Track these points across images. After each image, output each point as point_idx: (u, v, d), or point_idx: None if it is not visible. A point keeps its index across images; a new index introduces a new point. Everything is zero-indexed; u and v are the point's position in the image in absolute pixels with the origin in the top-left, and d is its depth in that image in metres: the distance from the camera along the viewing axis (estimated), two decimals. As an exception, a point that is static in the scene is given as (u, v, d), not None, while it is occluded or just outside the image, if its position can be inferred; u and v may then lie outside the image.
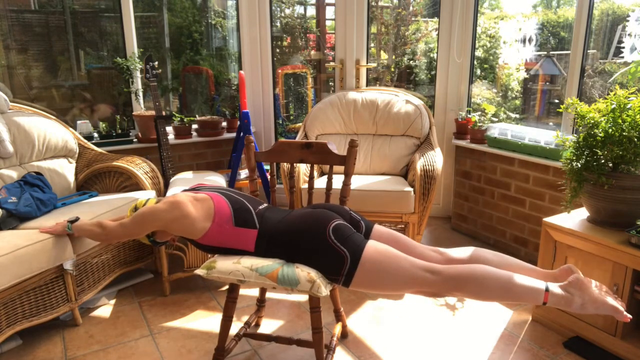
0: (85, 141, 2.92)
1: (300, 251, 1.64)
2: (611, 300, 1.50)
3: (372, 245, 1.61)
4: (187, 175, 2.93)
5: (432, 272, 1.54)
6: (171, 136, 3.48)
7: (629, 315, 1.48)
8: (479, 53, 4.00)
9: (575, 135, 2.19)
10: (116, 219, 2.03)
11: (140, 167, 2.70)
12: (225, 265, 1.65)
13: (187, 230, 1.67)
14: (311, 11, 5.19)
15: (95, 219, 2.18)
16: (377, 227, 1.81)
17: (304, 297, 2.52)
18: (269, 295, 2.54)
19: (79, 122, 3.22)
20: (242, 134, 3.20)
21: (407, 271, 1.55)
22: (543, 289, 1.51)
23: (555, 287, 1.52)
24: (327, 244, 1.59)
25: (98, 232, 1.82)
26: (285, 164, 2.64)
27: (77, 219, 2.01)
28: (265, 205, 1.85)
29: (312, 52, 5.10)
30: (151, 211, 1.68)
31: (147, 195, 2.57)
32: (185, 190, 1.84)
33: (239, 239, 1.69)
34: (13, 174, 2.49)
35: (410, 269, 1.55)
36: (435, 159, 2.65)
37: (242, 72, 3.24)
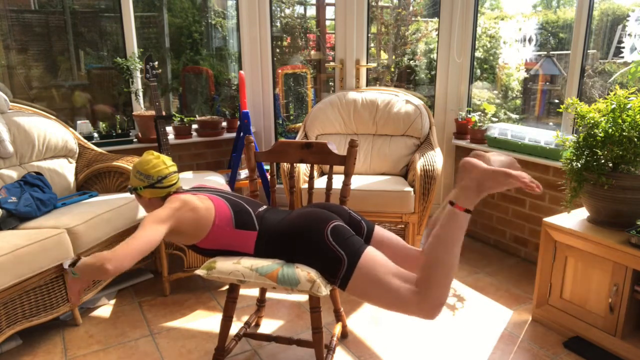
0: (85, 141, 2.92)
1: (299, 251, 1.64)
2: (503, 168, 1.45)
3: (370, 253, 1.59)
4: (187, 175, 2.93)
5: (414, 293, 1.49)
6: (171, 136, 3.48)
7: (536, 184, 1.38)
8: (479, 53, 4.00)
9: (575, 135, 2.19)
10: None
11: (140, 167, 2.70)
12: (225, 265, 1.65)
13: (193, 228, 1.64)
14: (311, 11, 5.20)
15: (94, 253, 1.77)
16: (378, 230, 1.80)
17: (304, 297, 2.52)
18: (269, 295, 2.54)
19: (79, 122, 3.22)
20: (242, 134, 3.20)
21: (393, 291, 1.51)
22: (452, 208, 1.47)
23: (454, 194, 1.49)
24: (324, 245, 1.59)
25: (103, 255, 1.42)
26: (285, 164, 2.64)
27: (78, 259, 1.50)
28: (265, 207, 1.85)
29: (312, 52, 5.10)
30: (161, 210, 1.60)
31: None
32: (185, 191, 1.84)
33: (239, 241, 1.69)
34: (13, 174, 2.49)
35: (397, 291, 1.51)
36: (435, 159, 2.65)
37: (242, 72, 3.24)
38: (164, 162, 1.73)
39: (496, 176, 1.44)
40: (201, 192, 1.78)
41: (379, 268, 1.54)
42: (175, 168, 1.77)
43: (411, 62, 4.97)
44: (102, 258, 1.40)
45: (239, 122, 3.35)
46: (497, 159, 1.55)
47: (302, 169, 2.76)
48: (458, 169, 1.53)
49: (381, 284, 1.52)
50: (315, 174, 3.00)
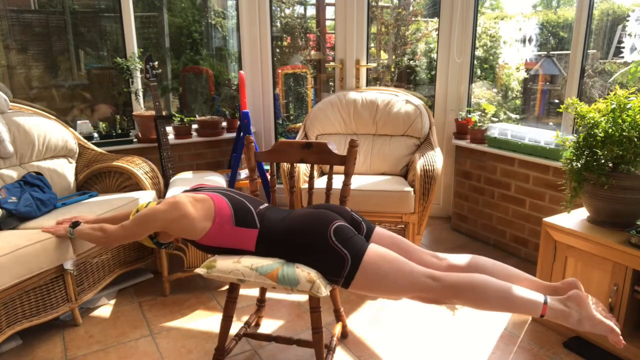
0: (85, 141, 2.92)
1: (301, 251, 1.64)
2: (607, 320, 1.51)
3: (374, 249, 1.61)
4: (187, 175, 2.93)
5: (432, 279, 1.54)
6: (171, 136, 3.48)
7: (623, 341, 1.49)
8: (479, 53, 4.00)
9: (575, 135, 2.19)
10: (115, 217, 2.03)
11: (140, 167, 2.70)
12: (225, 264, 1.65)
13: (188, 231, 1.67)
14: (311, 11, 5.20)
15: (96, 221, 2.15)
16: (378, 230, 1.81)
17: (304, 297, 2.52)
18: (269, 295, 2.54)
19: (79, 122, 3.22)
20: (242, 134, 3.20)
21: (407, 276, 1.55)
22: (542, 301, 1.52)
23: (553, 301, 1.53)
24: (328, 245, 1.59)
25: (99, 235, 1.80)
26: (285, 164, 2.64)
27: (78, 223, 1.99)
28: (266, 205, 1.85)
29: (312, 52, 5.10)
30: (151, 212, 1.68)
31: (147, 198, 2.56)
32: (186, 191, 1.84)
33: (240, 238, 1.69)
34: (13, 174, 2.49)
35: (410, 274, 1.55)
36: (435, 159, 2.65)
37: (242, 72, 3.24)
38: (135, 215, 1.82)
39: (600, 328, 1.50)
40: (201, 191, 1.79)
41: (383, 262, 1.57)
42: (139, 208, 1.84)
43: (411, 62, 4.97)
44: (99, 237, 1.79)
45: (239, 122, 3.35)
46: (600, 306, 1.58)
47: (302, 169, 2.76)
48: (572, 294, 1.55)
49: (389, 276, 1.55)
50: (315, 174, 2.99)
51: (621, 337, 1.49)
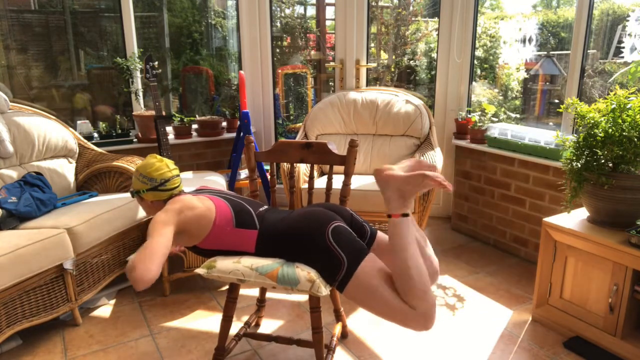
0: (85, 141, 2.92)
1: (300, 251, 1.64)
2: (416, 171, 1.51)
3: (370, 261, 1.58)
4: (187, 175, 2.93)
5: (406, 308, 1.50)
6: (171, 136, 3.48)
7: (448, 184, 1.45)
8: (479, 53, 4.00)
9: (575, 135, 2.19)
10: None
11: (140, 167, 2.70)
12: (225, 264, 1.65)
13: (194, 229, 1.64)
14: (311, 11, 5.20)
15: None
16: (380, 235, 1.81)
17: (304, 297, 2.52)
18: (269, 295, 2.54)
19: (79, 122, 3.22)
20: (242, 134, 3.20)
21: (393, 299, 1.52)
22: (390, 219, 1.55)
23: (387, 205, 1.57)
24: (325, 245, 1.59)
25: (132, 275, 1.44)
26: (285, 164, 2.64)
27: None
28: (266, 207, 1.85)
29: (312, 52, 5.10)
30: (162, 213, 1.60)
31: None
32: (186, 193, 1.84)
33: (240, 240, 1.69)
34: (13, 174, 2.49)
35: (393, 302, 1.51)
36: (435, 159, 2.65)
37: (242, 72, 3.24)
38: (167, 166, 1.73)
39: (414, 180, 1.51)
40: (202, 194, 1.79)
41: (376, 279, 1.54)
42: (177, 172, 1.77)
43: (411, 62, 4.97)
44: (132, 279, 1.41)
45: (239, 122, 3.35)
46: (404, 165, 1.64)
47: (302, 169, 2.76)
48: (377, 183, 1.60)
49: (376, 295, 1.52)
50: (315, 174, 3.00)
51: (440, 179, 1.46)
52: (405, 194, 1.54)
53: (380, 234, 1.81)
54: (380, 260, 1.63)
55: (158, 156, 1.75)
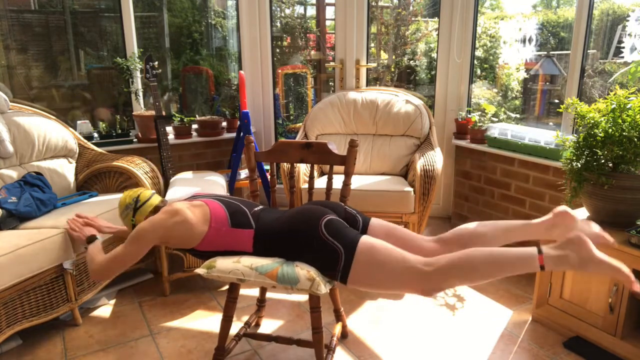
0: (85, 141, 2.92)
1: (296, 248, 1.64)
2: (612, 260, 1.40)
3: (366, 240, 1.60)
4: (187, 175, 2.93)
5: (424, 264, 1.51)
6: (171, 136, 3.48)
7: (636, 282, 1.35)
8: (479, 53, 4.00)
9: (575, 135, 2.19)
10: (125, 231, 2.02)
11: (140, 167, 2.70)
12: (225, 264, 1.65)
13: (187, 238, 1.67)
14: (311, 11, 5.20)
15: (114, 231, 2.11)
16: (374, 221, 1.80)
17: (304, 297, 2.52)
18: (269, 295, 2.54)
19: (79, 122, 3.22)
20: (242, 134, 3.20)
21: (400, 263, 1.52)
22: (536, 253, 1.44)
23: (549, 249, 1.45)
24: (320, 240, 1.60)
25: (94, 267, 1.72)
26: (285, 164, 2.64)
27: (94, 239, 1.91)
28: (261, 207, 1.86)
29: (312, 52, 5.10)
30: (150, 222, 1.67)
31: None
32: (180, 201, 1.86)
33: (237, 240, 1.70)
34: (13, 174, 2.49)
35: (403, 262, 1.52)
36: (435, 159, 2.65)
37: (242, 72, 3.24)
38: (130, 191, 1.88)
39: (604, 268, 1.40)
40: (197, 199, 1.81)
41: (379, 251, 1.55)
42: (141, 190, 1.90)
43: (411, 62, 4.97)
44: (92, 270, 1.74)
45: (239, 122, 3.35)
46: (589, 231, 1.53)
47: (302, 169, 2.76)
48: (568, 240, 1.44)
49: (385, 263, 1.53)
50: (315, 174, 3.00)
51: (632, 277, 1.35)
52: (581, 268, 1.41)
53: (374, 220, 1.81)
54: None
55: (125, 191, 1.91)
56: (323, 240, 1.59)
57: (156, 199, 1.87)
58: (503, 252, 1.46)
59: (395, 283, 1.55)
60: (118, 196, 2.55)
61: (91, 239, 1.92)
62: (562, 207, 1.60)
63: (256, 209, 1.81)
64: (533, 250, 1.44)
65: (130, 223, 1.83)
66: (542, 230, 1.62)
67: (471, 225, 1.70)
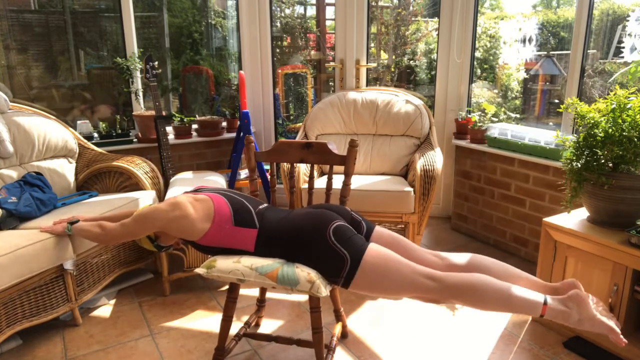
0: (85, 141, 2.92)
1: (301, 251, 1.64)
2: (608, 320, 1.51)
3: (374, 249, 1.60)
4: (187, 175, 2.93)
5: (431, 279, 1.54)
6: (171, 136, 3.48)
7: (625, 340, 1.48)
8: (479, 53, 4.00)
9: (575, 135, 2.19)
10: (114, 216, 2.03)
11: (140, 167, 2.70)
12: (225, 264, 1.65)
13: (187, 231, 1.67)
14: (311, 11, 5.20)
15: (94, 220, 2.16)
16: (378, 229, 1.80)
17: (304, 297, 2.52)
18: (269, 295, 2.54)
19: (79, 122, 3.22)
20: (242, 134, 3.20)
21: (407, 277, 1.55)
22: (541, 301, 1.52)
23: (553, 301, 1.53)
24: (327, 245, 1.59)
25: (98, 232, 1.81)
26: (285, 164, 2.64)
27: (77, 221, 2.00)
28: (266, 205, 1.85)
29: (312, 52, 5.10)
30: (152, 210, 1.69)
31: (147, 198, 2.56)
32: (186, 192, 1.85)
33: (239, 238, 1.69)
34: (13, 174, 2.49)
35: (410, 275, 1.55)
36: (435, 159, 2.65)
37: (242, 72, 3.24)
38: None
39: (600, 327, 1.50)
40: (201, 192, 1.79)
41: (383, 262, 1.56)
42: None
43: (411, 62, 4.97)
44: (98, 235, 1.81)
45: (239, 122, 3.35)
46: (600, 309, 1.58)
47: (302, 169, 2.76)
48: (570, 297, 1.54)
49: (389, 275, 1.55)
50: (315, 174, 3.00)
51: (622, 337, 1.49)
52: (579, 325, 1.51)
53: (378, 228, 1.81)
54: None
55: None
56: (330, 246, 1.59)
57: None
58: (513, 294, 1.53)
59: (398, 291, 1.57)
60: (118, 196, 2.55)
61: (72, 222, 2.00)
62: (572, 279, 1.65)
63: (261, 207, 1.80)
64: (540, 298, 1.53)
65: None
66: (546, 290, 1.66)
67: (486, 262, 1.72)
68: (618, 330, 1.49)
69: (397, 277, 1.55)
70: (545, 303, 1.51)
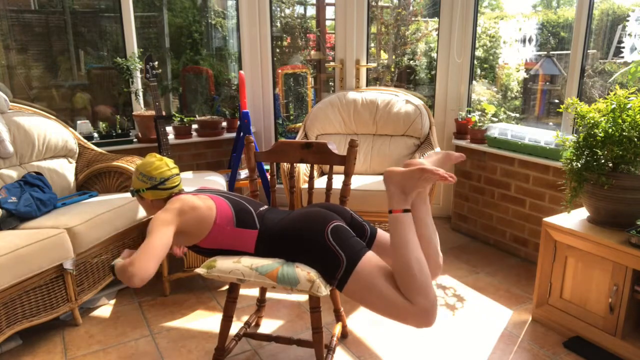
0: (85, 141, 2.92)
1: (299, 251, 1.64)
2: (414, 167, 1.52)
3: (370, 258, 1.58)
4: (187, 175, 2.93)
5: (408, 304, 1.49)
6: (171, 136, 3.48)
7: (447, 173, 1.47)
8: (479, 53, 4.00)
9: (575, 135, 2.19)
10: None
11: (140, 167, 2.70)
12: (225, 264, 1.65)
13: (198, 224, 1.63)
14: (311, 11, 5.20)
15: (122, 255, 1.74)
16: (381, 233, 1.80)
17: (304, 297, 2.52)
18: (269, 295, 2.54)
19: (79, 122, 3.22)
20: (242, 134, 3.20)
21: (389, 299, 1.51)
22: (390, 215, 1.55)
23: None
24: (325, 244, 1.59)
25: (127, 270, 1.47)
26: (285, 164, 2.64)
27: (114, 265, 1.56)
28: (266, 207, 1.85)
29: (312, 52, 5.10)
30: (162, 212, 1.60)
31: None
32: (187, 192, 1.84)
33: (240, 240, 1.69)
34: (13, 174, 2.49)
35: (394, 298, 1.50)
36: (435, 159, 2.64)
37: (242, 72, 3.24)
38: (166, 164, 1.74)
39: (412, 174, 1.53)
40: (202, 193, 1.79)
41: (376, 275, 1.53)
42: (177, 170, 1.78)
43: (411, 62, 4.97)
44: (128, 274, 1.44)
45: (239, 122, 3.35)
46: (432, 159, 1.68)
47: (302, 169, 2.76)
48: (383, 180, 1.61)
49: (376, 291, 1.51)
50: (315, 174, 3.00)
51: (441, 172, 1.47)
52: (405, 189, 1.54)
53: (380, 232, 1.81)
54: (382, 258, 1.63)
55: (158, 155, 1.76)
56: (327, 246, 1.58)
57: (177, 190, 1.76)
58: (394, 240, 1.54)
59: (386, 313, 1.53)
60: (118, 196, 2.55)
61: (113, 266, 1.59)
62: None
63: (261, 209, 1.80)
64: (390, 216, 1.56)
65: (138, 190, 1.72)
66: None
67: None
68: (431, 167, 1.50)
69: (384, 293, 1.51)
70: (390, 212, 1.55)
